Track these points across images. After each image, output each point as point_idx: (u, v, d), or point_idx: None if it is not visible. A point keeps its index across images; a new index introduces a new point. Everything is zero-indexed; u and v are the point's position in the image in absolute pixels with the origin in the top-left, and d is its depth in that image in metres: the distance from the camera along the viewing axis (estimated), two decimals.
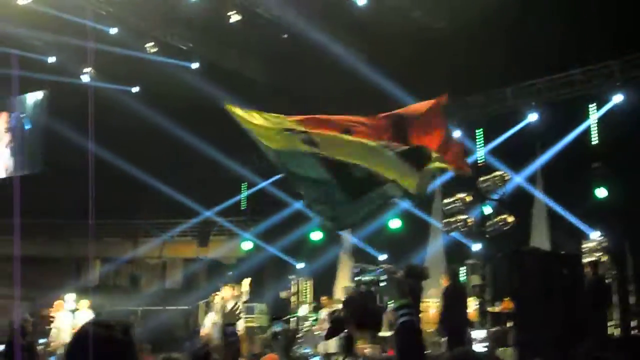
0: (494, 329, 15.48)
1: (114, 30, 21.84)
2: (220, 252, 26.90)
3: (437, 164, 8.09)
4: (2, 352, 16.27)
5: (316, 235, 22.26)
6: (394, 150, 7.78)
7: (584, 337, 11.93)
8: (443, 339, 14.08)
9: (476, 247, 17.75)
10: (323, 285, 20.63)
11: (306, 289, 21.76)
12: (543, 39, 17.49)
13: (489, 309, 16.11)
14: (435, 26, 19.63)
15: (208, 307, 19.24)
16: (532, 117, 20.15)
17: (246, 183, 25.82)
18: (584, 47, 17.62)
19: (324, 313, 18.06)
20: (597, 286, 14.30)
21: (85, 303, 19.36)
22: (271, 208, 23.92)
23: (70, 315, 18.72)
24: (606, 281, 15.58)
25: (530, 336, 12.16)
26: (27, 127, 25.97)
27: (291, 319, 20.28)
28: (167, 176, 23.78)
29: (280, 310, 20.88)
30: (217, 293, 18.44)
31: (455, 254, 18.67)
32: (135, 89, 25.10)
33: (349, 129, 8.04)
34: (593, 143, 19.07)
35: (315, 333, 18.00)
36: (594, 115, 19.08)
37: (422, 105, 8.48)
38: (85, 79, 23.93)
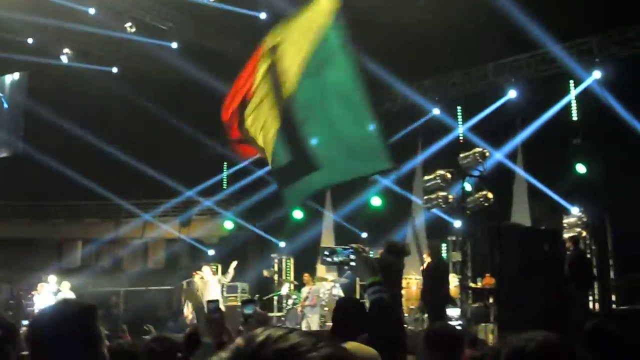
0: (475, 305, 15.61)
1: (92, 10, 21.64)
2: (202, 231, 26.91)
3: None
4: None
5: (298, 214, 22.27)
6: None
7: (565, 312, 12.07)
8: (425, 316, 14.20)
9: (457, 223, 17.81)
10: (305, 263, 20.66)
11: (289, 268, 21.86)
12: (522, 16, 17.48)
13: (471, 284, 16.23)
14: (415, 2, 19.55)
15: (190, 287, 19.28)
16: (512, 93, 20.17)
17: (227, 162, 25.75)
18: (563, 24, 17.63)
19: (305, 291, 18.14)
20: (578, 261, 14.40)
21: (67, 284, 19.35)
22: (252, 187, 23.87)
23: (52, 296, 18.63)
24: (587, 256, 15.74)
25: (511, 312, 12.25)
26: (5, 107, 25.76)
27: (274, 297, 20.40)
28: (148, 156, 23.67)
29: (264, 288, 20.93)
30: (198, 272, 18.48)
31: (437, 231, 18.73)
32: (115, 70, 24.97)
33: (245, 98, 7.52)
34: (573, 119, 19.16)
35: (298, 311, 18.09)
36: (574, 91, 19.15)
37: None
38: (64, 59, 23.74)
